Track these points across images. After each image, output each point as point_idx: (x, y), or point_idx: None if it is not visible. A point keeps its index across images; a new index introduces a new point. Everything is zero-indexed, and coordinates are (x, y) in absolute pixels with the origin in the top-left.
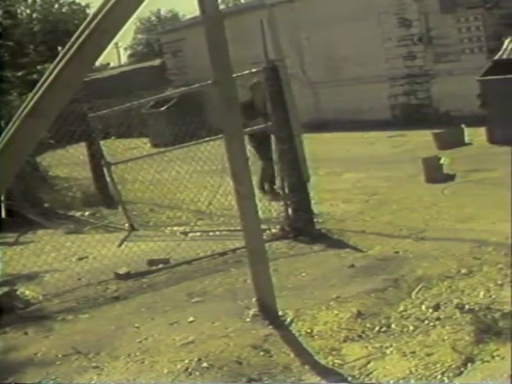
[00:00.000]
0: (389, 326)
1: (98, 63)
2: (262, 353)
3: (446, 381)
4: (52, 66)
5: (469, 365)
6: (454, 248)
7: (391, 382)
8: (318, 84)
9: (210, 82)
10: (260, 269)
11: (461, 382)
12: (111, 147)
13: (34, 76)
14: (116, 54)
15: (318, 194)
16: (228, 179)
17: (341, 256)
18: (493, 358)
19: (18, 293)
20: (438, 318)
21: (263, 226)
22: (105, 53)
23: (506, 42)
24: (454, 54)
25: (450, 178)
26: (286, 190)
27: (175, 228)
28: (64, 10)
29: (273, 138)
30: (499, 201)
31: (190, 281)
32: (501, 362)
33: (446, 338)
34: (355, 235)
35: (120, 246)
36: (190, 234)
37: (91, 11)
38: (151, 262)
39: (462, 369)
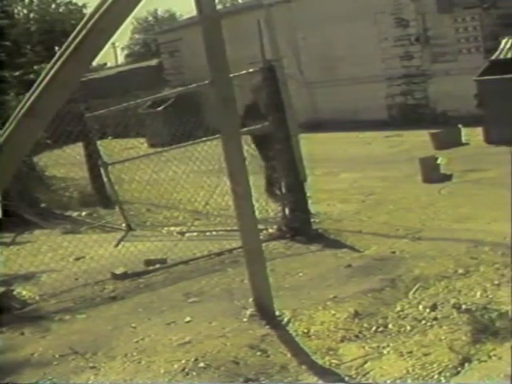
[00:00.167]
0: (386, 326)
1: (94, 63)
2: (258, 353)
3: (443, 381)
4: (49, 66)
5: (466, 365)
6: (451, 248)
7: (388, 381)
8: (314, 84)
9: (207, 82)
10: (257, 269)
11: (458, 382)
12: (108, 147)
13: (31, 76)
14: (113, 54)
15: (315, 193)
16: (225, 179)
17: (338, 256)
18: (490, 357)
19: (14, 293)
20: (435, 318)
21: (260, 226)
22: (102, 53)
23: (503, 42)
24: (451, 54)
25: (447, 178)
26: (283, 190)
27: (172, 228)
28: (61, 9)
29: None
30: (496, 201)
31: (187, 281)
32: (498, 362)
33: (443, 337)
34: (352, 235)
35: (117, 246)
36: (187, 234)
37: (88, 11)
38: (148, 262)
39: (459, 369)
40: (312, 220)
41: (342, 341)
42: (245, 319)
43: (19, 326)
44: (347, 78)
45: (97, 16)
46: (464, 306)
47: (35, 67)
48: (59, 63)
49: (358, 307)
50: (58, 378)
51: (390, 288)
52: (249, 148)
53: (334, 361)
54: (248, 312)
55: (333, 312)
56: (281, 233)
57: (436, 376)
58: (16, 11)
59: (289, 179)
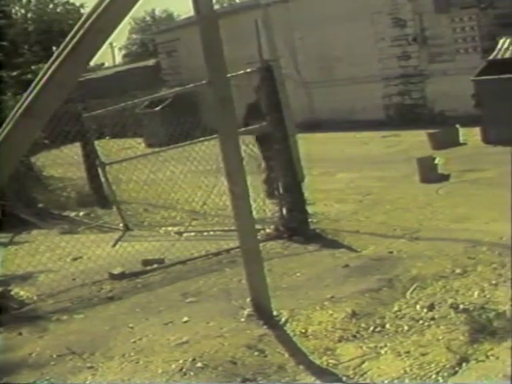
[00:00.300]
0: (383, 326)
1: (92, 63)
2: (256, 353)
3: (441, 380)
4: (46, 66)
5: (463, 364)
6: (449, 248)
7: (386, 381)
8: (312, 84)
9: (204, 82)
10: (254, 269)
11: (455, 382)
12: (106, 147)
13: (29, 76)
14: (110, 54)
15: (313, 194)
16: (222, 179)
17: (335, 256)
18: (487, 357)
19: (12, 293)
20: (433, 318)
21: (257, 226)
22: (99, 53)
23: (501, 41)
24: (449, 54)
25: (445, 177)
26: (281, 190)
27: (170, 228)
28: (58, 9)
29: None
30: (494, 201)
31: (185, 281)
32: (495, 362)
33: (440, 337)
34: (349, 235)
35: (114, 246)
36: (185, 234)
37: (86, 11)
38: (146, 262)
39: (457, 368)
40: (309, 220)
41: (339, 341)
42: (242, 319)
43: (17, 326)
44: (344, 78)
45: (94, 16)
46: (461, 306)
47: (33, 67)
48: (57, 63)
49: (356, 307)
50: (55, 378)
51: (388, 288)
52: (246, 148)
53: (331, 361)
54: (245, 312)
55: (330, 312)
56: (278, 233)
57: (434, 376)
58: (14, 11)
59: (286, 179)
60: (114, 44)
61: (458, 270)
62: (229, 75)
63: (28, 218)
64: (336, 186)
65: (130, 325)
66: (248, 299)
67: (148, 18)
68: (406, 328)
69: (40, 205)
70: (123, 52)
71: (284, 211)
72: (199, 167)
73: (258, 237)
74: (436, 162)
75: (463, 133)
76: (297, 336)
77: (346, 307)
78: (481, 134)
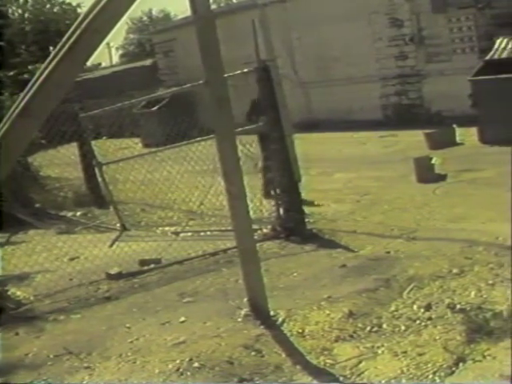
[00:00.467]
0: (380, 326)
1: (89, 63)
2: (253, 353)
3: (438, 380)
4: (43, 65)
5: (460, 364)
6: (446, 248)
7: (383, 381)
8: (309, 84)
9: (201, 82)
10: (251, 269)
11: (452, 382)
12: (102, 147)
13: (26, 76)
14: (107, 54)
15: (310, 194)
16: (219, 179)
17: (332, 256)
18: (484, 357)
19: (9, 293)
20: (430, 318)
21: (254, 226)
22: (96, 53)
23: (498, 41)
24: (446, 54)
25: (442, 177)
26: (278, 190)
27: (166, 228)
28: (55, 9)
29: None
30: (491, 201)
31: (182, 281)
32: (492, 362)
33: (437, 337)
34: (346, 235)
35: (111, 246)
36: (182, 234)
37: (82, 11)
38: (143, 262)
39: (454, 368)
40: (306, 220)
41: (336, 341)
42: (239, 319)
43: (14, 326)
44: (342, 78)
45: (91, 16)
46: (458, 306)
47: (30, 67)
48: (54, 63)
49: (353, 307)
50: (52, 378)
51: (385, 288)
52: (243, 148)
53: (328, 361)
54: (242, 312)
55: (327, 312)
56: (275, 233)
57: (430, 376)
58: (11, 11)
59: (283, 179)
60: (111, 44)
61: (455, 270)
62: (226, 75)
63: (25, 218)
64: (333, 185)
65: (127, 325)
66: (245, 299)
67: (145, 18)
68: (403, 328)
69: (37, 205)
70: (120, 52)
71: (281, 211)
72: (196, 167)
73: (255, 237)
74: (433, 161)
75: (460, 133)
76: (294, 336)
77: (343, 307)
78: (478, 133)
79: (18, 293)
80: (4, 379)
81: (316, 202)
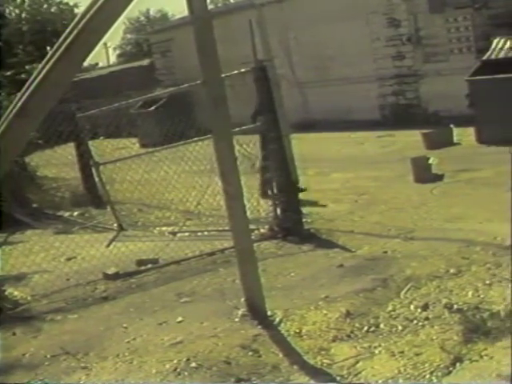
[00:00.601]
0: (377, 326)
1: (86, 63)
2: (250, 353)
3: (435, 380)
4: (40, 65)
5: (457, 364)
6: (443, 248)
7: (380, 381)
8: (306, 84)
9: (198, 82)
10: (249, 269)
11: (449, 382)
12: (100, 147)
13: (23, 76)
14: (105, 54)
15: (307, 194)
16: (216, 179)
17: (329, 256)
18: (481, 357)
19: (6, 293)
20: (427, 318)
21: (252, 226)
22: (93, 53)
23: (495, 42)
24: (443, 54)
25: (439, 177)
26: (275, 190)
27: (164, 228)
28: (53, 9)
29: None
30: (488, 201)
31: (179, 281)
32: (489, 362)
33: (434, 337)
34: (344, 235)
35: (109, 246)
36: (179, 234)
37: (79, 11)
38: (140, 262)
39: (451, 368)
40: (304, 220)
41: (333, 341)
42: (236, 319)
43: (11, 326)
44: (339, 78)
45: (88, 16)
46: (455, 306)
47: (27, 67)
48: (51, 63)
49: (350, 307)
50: (49, 378)
51: (382, 288)
52: (240, 148)
53: (325, 361)
54: (240, 312)
55: (325, 312)
56: (272, 233)
57: (428, 376)
58: (8, 11)
59: (280, 179)
60: (109, 44)
61: (452, 270)
62: (223, 75)
63: (22, 218)
64: (331, 185)
65: (124, 325)
66: (242, 299)
67: (142, 18)
68: (400, 328)
69: (34, 205)
70: (117, 52)
71: (278, 211)
72: (193, 167)
73: (252, 237)
74: (430, 161)
75: (457, 133)
76: (291, 336)
77: (340, 307)
78: (475, 133)
79: (16, 293)
80: (1, 379)
81: (321, 202)
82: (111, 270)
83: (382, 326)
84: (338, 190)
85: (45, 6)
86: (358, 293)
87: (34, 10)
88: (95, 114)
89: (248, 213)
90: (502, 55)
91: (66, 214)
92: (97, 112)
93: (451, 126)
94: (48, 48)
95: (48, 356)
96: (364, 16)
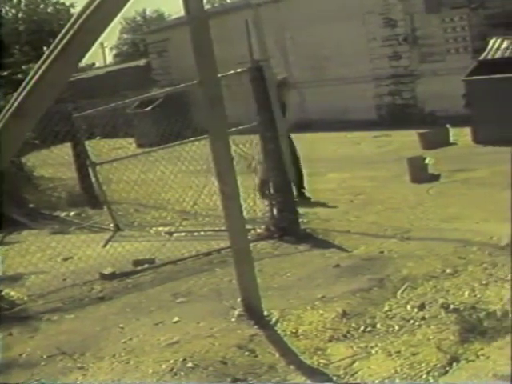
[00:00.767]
0: (374, 326)
1: (83, 63)
2: (247, 353)
3: (431, 380)
4: (37, 65)
5: (454, 364)
6: (439, 248)
7: (376, 381)
8: (302, 84)
9: (195, 82)
10: (245, 269)
11: (446, 382)
12: (96, 147)
13: (19, 76)
14: (101, 54)
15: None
16: (213, 179)
17: (326, 256)
18: (478, 357)
19: (2, 293)
20: (423, 318)
21: (248, 226)
22: (90, 53)
23: (491, 42)
24: (439, 54)
25: (435, 177)
26: (271, 190)
27: (160, 228)
28: (49, 9)
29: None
30: (484, 201)
31: (175, 281)
32: (486, 362)
33: (431, 337)
34: (340, 235)
35: (105, 246)
36: (175, 234)
37: (76, 11)
38: (136, 263)
39: (447, 368)
40: (300, 220)
41: (330, 341)
42: (233, 319)
43: (7, 326)
44: (335, 78)
45: (84, 16)
46: (452, 306)
47: (23, 67)
48: (47, 63)
49: (347, 307)
50: (45, 378)
51: (378, 288)
52: (237, 148)
53: (322, 361)
54: (236, 312)
55: (321, 312)
56: (269, 233)
57: (424, 376)
58: (4, 11)
59: (277, 179)
60: (105, 44)
61: (448, 270)
62: (219, 75)
63: (18, 219)
64: (327, 185)
65: (121, 325)
66: (239, 299)
67: (139, 18)
68: (396, 328)
69: (30, 205)
70: (114, 52)
71: (275, 211)
72: (190, 167)
73: (249, 237)
74: (426, 161)
75: (454, 133)
76: (287, 336)
77: (336, 307)
78: (471, 133)
79: (12, 293)
80: None
81: (320, 202)
82: (108, 270)
83: (378, 325)
84: (335, 189)
85: (41, 6)
86: (355, 293)
87: (31, 10)
88: (92, 114)
89: (244, 213)
90: (498, 55)
91: (63, 214)
92: (93, 112)
93: (447, 126)
94: (44, 48)
95: (44, 356)
96: (360, 16)
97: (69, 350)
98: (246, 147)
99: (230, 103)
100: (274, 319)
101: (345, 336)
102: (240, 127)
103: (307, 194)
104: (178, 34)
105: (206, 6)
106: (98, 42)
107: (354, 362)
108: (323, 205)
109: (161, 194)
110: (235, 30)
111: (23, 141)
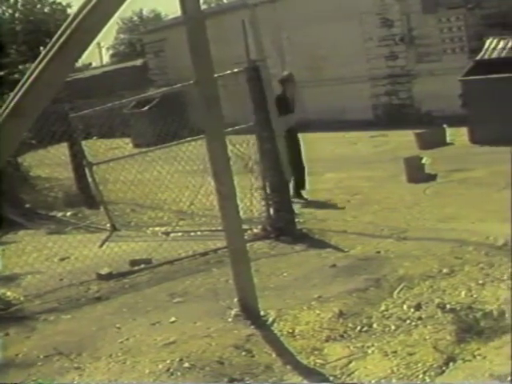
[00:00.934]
0: (370, 326)
1: (79, 63)
2: (243, 353)
3: (428, 380)
4: (34, 65)
5: (450, 364)
6: (436, 248)
7: (373, 381)
8: (299, 84)
9: (191, 82)
10: (242, 269)
11: (442, 382)
12: (93, 147)
13: (16, 76)
14: (98, 54)
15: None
16: (209, 179)
17: (322, 256)
18: (474, 357)
19: None
20: (420, 318)
21: (245, 226)
22: (87, 53)
23: (488, 42)
24: (436, 54)
25: (432, 177)
26: (268, 190)
27: (157, 228)
28: (46, 10)
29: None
30: (480, 200)
31: (172, 281)
32: (482, 362)
33: (427, 337)
34: (337, 235)
35: (102, 246)
36: (172, 234)
37: (72, 11)
38: (133, 263)
39: (444, 368)
40: (297, 220)
41: (326, 341)
42: (230, 319)
43: (4, 326)
44: (332, 78)
45: (81, 16)
46: (448, 306)
47: (20, 67)
48: (44, 63)
49: (343, 307)
50: (42, 378)
51: (375, 288)
52: (233, 148)
53: (318, 361)
54: (233, 312)
55: (317, 312)
56: (265, 233)
57: (421, 375)
58: (1, 11)
59: (274, 179)
60: (102, 44)
61: (445, 270)
62: (216, 75)
63: (15, 219)
64: (324, 185)
65: (117, 325)
66: (235, 299)
67: (135, 18)
68: (393, 328)
69: (27, 205)
70: (111, 52)
71: (271, 211)
72: (186, 167)
73: (245, 237)
74: (423, 161)
75: (450, 133)
76: (284, 336)
77: (333, 307)
78: (468, 133)
79: (8, 293)
80: None
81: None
82: (104, 271)
83: (374, 325)
84: (331, 189)
85: (38, 6)
86: (351, 293)
87: (27, 10)
88: (88, 114)
89: (241, 213)
90: (494, 55)
91: (59, 215)
92: (90, 112)
93: (444, 125)
94: (41, 48)
95: (41, 356)
96: (357, 16)
97: (65, 350)
98: (243, 147)
99: (226, 103)
100: (270, 319)
101: (341, 336)
102: (236, 127)
103: (304, 194)
104: (175, 34)
105: (203, 6)
106: (94, 42)
107: (350, 362)
108: (320, 205)
109: (157, 194)
110: (232, 30)
111: (20, 140)
